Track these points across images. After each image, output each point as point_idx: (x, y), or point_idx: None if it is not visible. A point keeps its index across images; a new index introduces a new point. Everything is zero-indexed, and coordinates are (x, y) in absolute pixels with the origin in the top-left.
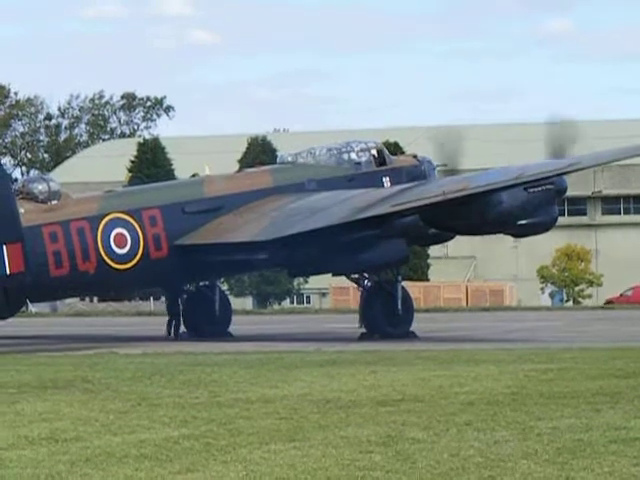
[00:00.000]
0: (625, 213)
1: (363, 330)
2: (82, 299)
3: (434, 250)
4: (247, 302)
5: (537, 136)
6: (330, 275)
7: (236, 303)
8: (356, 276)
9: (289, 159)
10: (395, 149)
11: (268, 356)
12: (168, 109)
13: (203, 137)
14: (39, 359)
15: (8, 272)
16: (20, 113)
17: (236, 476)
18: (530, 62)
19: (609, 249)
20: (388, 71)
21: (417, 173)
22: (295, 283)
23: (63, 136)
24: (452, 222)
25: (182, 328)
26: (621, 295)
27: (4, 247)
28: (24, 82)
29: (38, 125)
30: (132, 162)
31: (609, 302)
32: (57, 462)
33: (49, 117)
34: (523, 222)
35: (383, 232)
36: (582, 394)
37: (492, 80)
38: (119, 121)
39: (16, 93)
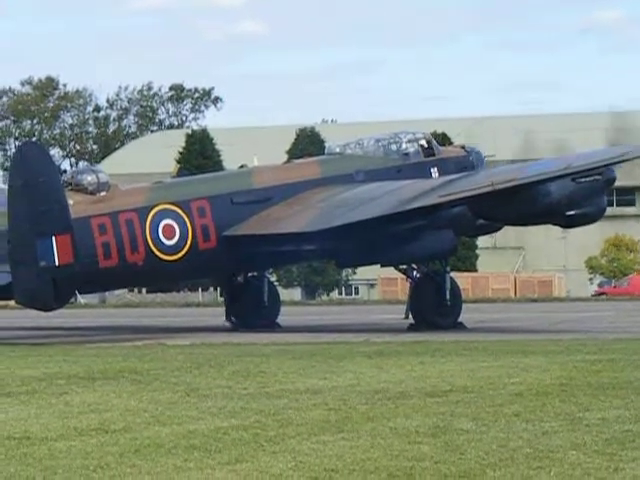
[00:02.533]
0: None
1: (411, 321)
2: (131, 290)
3: (482, 241)
4: (295, 293)
5: (586, 126)
6: (378, 266)
7: (284, 294)
8: (404, 267)
9: (337, 150)
10: (443, 140)
11: (317, 347)
12: (216, 100)
13: (251, 128)
14: (88, 350)
15: (57, 263)
16: (69, 105)
17: (285, 467)
18: (576, 53)
19: None
20: (436, 62)
21: (465, 164)
22: (343, 274)
23: (112, 127)
24: (500, 213)
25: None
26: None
27: (53, 238)
28: (73, 74)
29: (87, 117)
30: (180, 153)
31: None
32: (106, 453)
33: (98, 109)
34: (571, 213)
35: (431, 223)
36: (631, 385)
37: (538, 71)
38: (167, 112)
39: (65, 85)
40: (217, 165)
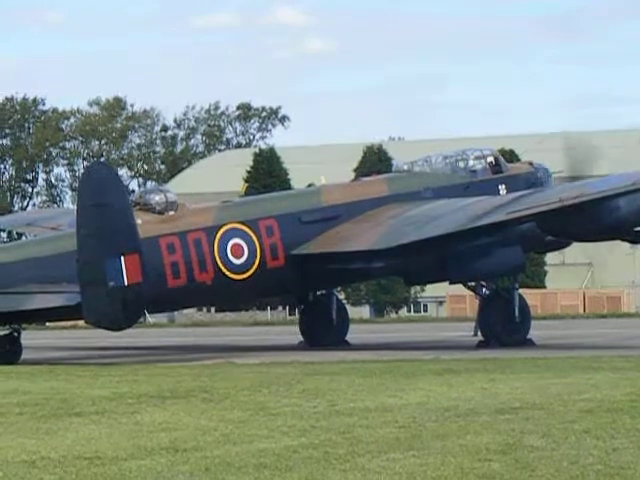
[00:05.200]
0: None
1: (480, 338)
2: (199, 309)
3: (551, 257)
4: (364, 311)
5: None
6: (447, 283)
7: (353, 312)
8: (473, 284)
9: (405, 167)
10: (510, 157)
11: (386, 365)
12: (283, 119)
13: (318, 147)
14: (157, 369)
15: (126, 283)
16: (136, 125)
17: None
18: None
19: None
20: (501, 77)
21: (533, 180)
22: (412, 291)
23: (179, 147)
24: (569, 229)
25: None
26: None
27: (122, 258)
28: (140, 94)
29: (154, 137)
30: (248, 172)
31: None
32: (177, 472)
33: (165, 128)
34: None
35: (500, 239)
36: None
37: (605, 85)
38: (235, 131)
39: (132, 105)
40: (285, 184)
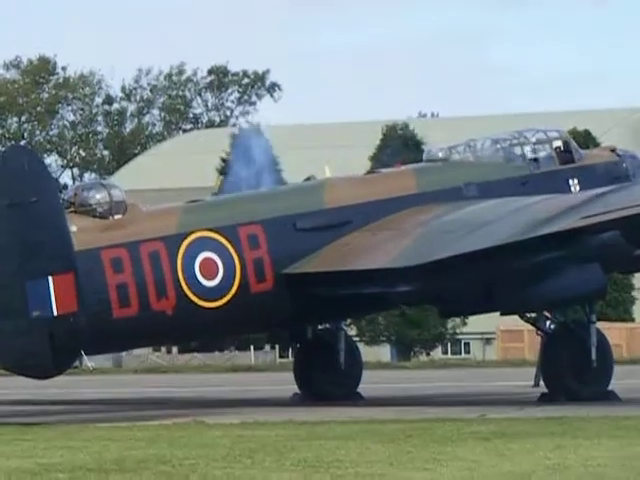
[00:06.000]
0: None
1: (543, 389)
2: (157, 349)
3: None
4: (384, 352)
5: None
6: (497, 314)
7: (369, 353)
8: (533, 315)
9: (440, 155)
10: (586, 140)
11: (412, 426)
12: (272, 87)
13: (320, 125)
14: (99, 432)
15: (55, 313)
16: (70, 95)
17: None
18: None
19: None
20: (574, 32)
21: (617, 173)
22: (449, 325)
23: (129, 126)
24: None
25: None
26: None
27: (50, 279)
28: (75, 54)
29: (95, 112)
30: (224, 160)
31: None
32: None
33: (109, 100)
34: None
35: (570, 254)
36: None
37: None
38: (205, 105)
39: (64, 68)
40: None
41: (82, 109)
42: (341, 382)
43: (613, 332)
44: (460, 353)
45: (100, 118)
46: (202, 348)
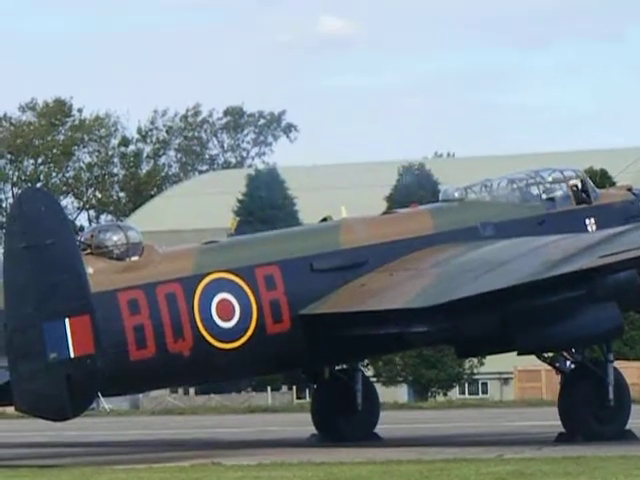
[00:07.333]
0: None
1: (560, 429)
2: (173, 391)
3: None
4: (401, 392)
5: None
6: (514, 354)
7: (386, 394)
8: (551, 355)
9: (457, 195)
10: (602, 179)
11: (430, 467)
12: (288, 128)
13: (337, 166)
14: (115, 474)
15: (72, 355)
16: (86, 137)
17: None
18: None
19: None
20: (588, 72)
21: (633, 212)
22: (466, 366)
23: (145, 168)
24: None
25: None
26: None
27: (67, 321)
28: (91, 95)
29: (110, 153)
30: (240, 202)
31: None
32: None
33: (125, 142)
34: None
35: (587, 293)
36: None
37: None
38: (221, 146)
39: (80, 110)
40: (291, 218)
41: (98, 151)
42: (359, 423)
43: (630, 371)
44: (477, 393)
45: (116, 160)
46: (219, 389)
